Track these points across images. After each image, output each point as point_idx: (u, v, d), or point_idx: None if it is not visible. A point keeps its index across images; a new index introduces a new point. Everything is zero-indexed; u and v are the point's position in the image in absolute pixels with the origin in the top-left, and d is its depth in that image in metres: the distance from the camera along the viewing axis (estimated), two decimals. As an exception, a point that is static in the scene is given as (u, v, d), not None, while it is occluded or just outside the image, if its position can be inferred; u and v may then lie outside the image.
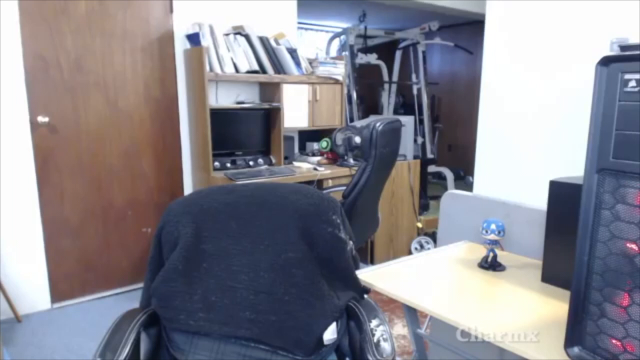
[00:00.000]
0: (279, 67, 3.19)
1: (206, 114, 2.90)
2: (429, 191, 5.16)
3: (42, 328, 2.56)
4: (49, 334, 2.50)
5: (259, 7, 3.33)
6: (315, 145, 3.56)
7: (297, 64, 3.29)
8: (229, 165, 3.14)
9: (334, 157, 3.40)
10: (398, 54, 5.99)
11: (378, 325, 1.22)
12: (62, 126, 2.74)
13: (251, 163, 3.22)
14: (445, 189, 4.75)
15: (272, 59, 3.18)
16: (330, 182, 3.13)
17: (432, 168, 5.65)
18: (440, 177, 5.88)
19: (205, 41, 2.93)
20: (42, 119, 2.64)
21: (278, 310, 1.29)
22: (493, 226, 1.44)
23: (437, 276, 1.43)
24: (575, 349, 0.93)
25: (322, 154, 3.46)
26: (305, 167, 3.23)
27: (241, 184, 1.58)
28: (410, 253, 3.63)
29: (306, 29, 6.89)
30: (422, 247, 3.71)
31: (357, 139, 3.15)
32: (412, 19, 5.80)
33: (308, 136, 3.68)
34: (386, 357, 1.13)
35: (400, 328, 2.54)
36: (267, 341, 1.28)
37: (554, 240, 1.34)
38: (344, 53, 5.18)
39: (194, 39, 2.95)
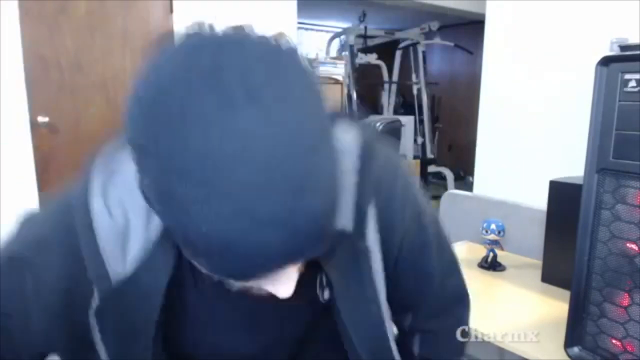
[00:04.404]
0: (279, 67, 3.19)
1: (206, 114, 2.89)
2: (429, 191, 5.16)
3: (42, 328, 2.56)
4: (49, 334, 2.49)
5: (259, 7, 3.32)
6: (315, 145, 3.55)
7: (297, 64, 3.28)
8: (229, 165, 3.14)
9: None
10: (398, 54, 5.99)
11: None
12: (62, 126, 2.73)
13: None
14: (445, 189, 4.75)
15: (272, 59, 3.18)
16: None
17: (432, 168, 5.65)
18: (440, 177, 5.88)
19: (205, 41, 2.93)
20: (42, 119, 2.64)
21: None
22: (493, 226, 1.44)
23: (437, 276, 1.43)
24: (575, 349, 0.93)
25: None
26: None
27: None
28: (410, 253, 3.61)
29: (306, 29, 6.89)
30: (422, 247, 3.70)
31: (357, 139, 3.15)
32: (412, 19, 5.79)
33: (308, 136, 3.67)
34: None
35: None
36: None
37: (554, 240, 1.34)
38: (344, 53, 5.18)
39: (194, 39, 2.95)
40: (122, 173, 0.45)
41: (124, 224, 0.46)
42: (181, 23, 3.03)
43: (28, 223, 0.51)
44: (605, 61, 0.85)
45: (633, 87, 0.81)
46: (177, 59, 0.35)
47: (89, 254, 0.46)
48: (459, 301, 0.68)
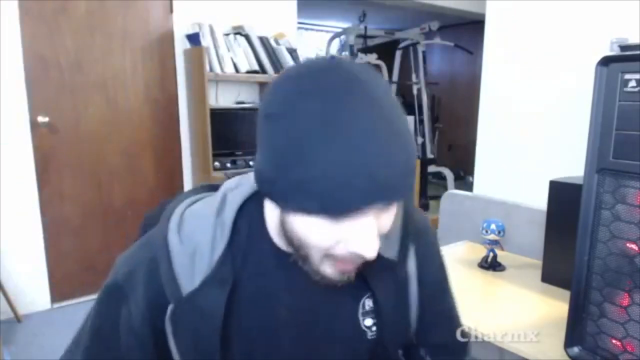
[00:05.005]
0: (279, 67, 3.19)
1: (206, 114, 2.90)
2: (429, 191, 5.16)
3: (42, 328, 2.56)
4: (49, 334, 2.50)
5: (259, 7, 3.33)
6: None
7: (297, 64, 3.28)
8: (229, 165, 3.14)
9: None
10: (398, 54, 5.99)
11: None
12: (62, 126, 2.74)
13: (251, 163, 3.22)
14: (445, 189, 4.75)
15: (272, 59, 3.18)
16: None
17: (432, 168, 5.65)
18: (440, 177, 5.88)
19: (205, 41, 2.93)
20: (42, 119, 2.64)
21: None
22: (493, 226, 1.44)
23: (437, 276, 1.43)
24: (575, 349, 0.93)
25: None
26: (305, 167, 3.22)
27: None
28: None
29: (306, 29, 6.89)
30: (422, 247, 3.70)
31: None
32: (412, 19, 5.80)
33: (308, 136, 3.67)
34: None
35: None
36: None
37: (554, 240, 1.34)
38: (344, 53, 5.18)
39: (194, 39, 2.95)
40: (192, 219, 0.60)
41: (193, 251, 0.58)
42: (181, 23, 3.03)
43: (122, 258, 0.62)
44: (605, 61, 0.85)
45: (633, 87, 0.81)
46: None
47: (165, 275, 0.57)
48: (465, 345, 0.77)
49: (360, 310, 0.64)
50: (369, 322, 0.64)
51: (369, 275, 0.62)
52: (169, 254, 0.57)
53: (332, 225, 0.50)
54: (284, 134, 0.49)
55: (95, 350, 0.61)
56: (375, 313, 0.64)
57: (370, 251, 0.51)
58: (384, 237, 0.60)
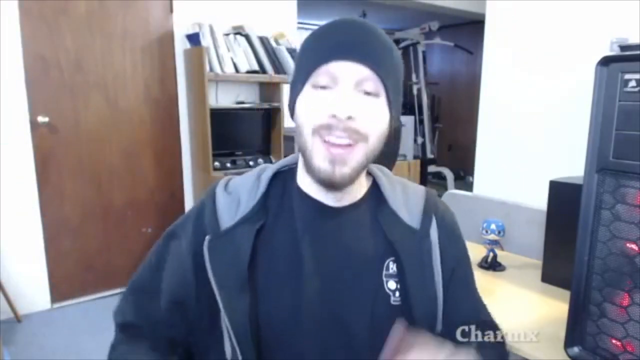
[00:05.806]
0: (279, 67, 3.19)
1: (206, 114, 2.90)
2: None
3: (42, 328, 2.56)
4: (49, 334, 2.50)
5: (259, 7, 3.33)
6: (315, 145, 3.55)
7: (297, 64, 3.28)
8: (229, 165, 3.14)
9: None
10: (398, 54, 5.99)
11: None
12: (62, 126, 2.74)
13: (251, 163, 3.22)
14: (445, 189, 4.74)
15: (272, 59, 3.18)
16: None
17: (432, 168, 5.65)
18: (440, 177, 5.88)
19: (205, 41, 2.93)
20: (42, 119, 2.64)
21: None
22: (493, 226, 1.44)
23: (437, 276, 1.43)
24: (575, 349, 0.93)
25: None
26: (305, 167, 3.22)
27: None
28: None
29: (306, 29, 6.89)
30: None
31: (357, 139, 3.15)
32: (412, 19, 5.80)
33: (308, 136, 3.67)
34: None
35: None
36: None
37: (554, 240, 1.34)
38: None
39: (194, 39, 2.95)
40: (237, 179, 0.75)
41: (233, 200, 0.71)
42: (181, 23, 3.03)
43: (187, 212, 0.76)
44: (605, 61, 0.84)
45: (633, 87, 0.81)
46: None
47: (209, 214, 0.71)
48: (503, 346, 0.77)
49: (384, 272, 0.69)
50: (392, 284, 0.69)
51: (394, 240, 0.69)
52: (215, 200, 0.71)
53: (316, 93, 0.63)
54: (297, 53, 0.69)
55: (146, 271, 0.76)
56: (399, 277, 0.69)
57: (341, 109, 0.61)
58: (407, 209, 0.72)
